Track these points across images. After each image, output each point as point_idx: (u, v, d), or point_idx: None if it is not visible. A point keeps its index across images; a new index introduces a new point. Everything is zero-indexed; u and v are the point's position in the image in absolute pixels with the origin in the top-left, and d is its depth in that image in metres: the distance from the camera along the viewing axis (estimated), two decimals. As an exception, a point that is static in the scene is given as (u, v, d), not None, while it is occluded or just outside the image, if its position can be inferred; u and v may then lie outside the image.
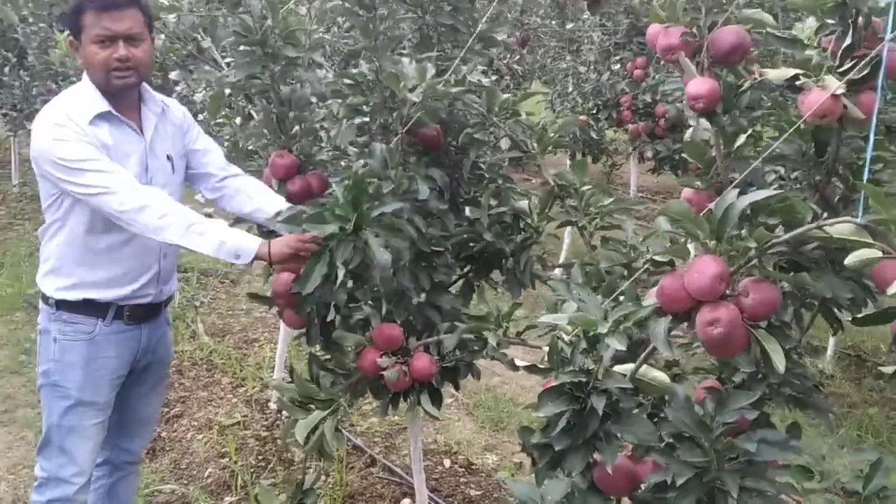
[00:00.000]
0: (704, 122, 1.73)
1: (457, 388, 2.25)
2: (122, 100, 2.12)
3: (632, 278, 2.06)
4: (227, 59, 2.76)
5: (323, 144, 2.38)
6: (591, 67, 5.77)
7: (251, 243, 1.99)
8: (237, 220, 2.40)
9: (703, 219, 1.36)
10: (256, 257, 1.98)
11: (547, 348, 2.02)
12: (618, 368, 1.52)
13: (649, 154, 5.45)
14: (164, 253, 2.23)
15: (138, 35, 2.05)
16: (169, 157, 2.22)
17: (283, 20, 2.13)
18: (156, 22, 2.44)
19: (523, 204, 2.37)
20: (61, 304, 2.17)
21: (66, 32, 2.08)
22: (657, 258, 1.60)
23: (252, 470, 3.29)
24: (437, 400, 2.17)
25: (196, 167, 2.31)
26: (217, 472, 3.29)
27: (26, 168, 8.92)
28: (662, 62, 5.32)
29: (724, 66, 1.64)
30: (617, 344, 1.39)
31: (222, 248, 1.97)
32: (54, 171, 2.01)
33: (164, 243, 2.08)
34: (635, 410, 1.50)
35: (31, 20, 6.40)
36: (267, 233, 2.31)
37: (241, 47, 2.18)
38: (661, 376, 1.49)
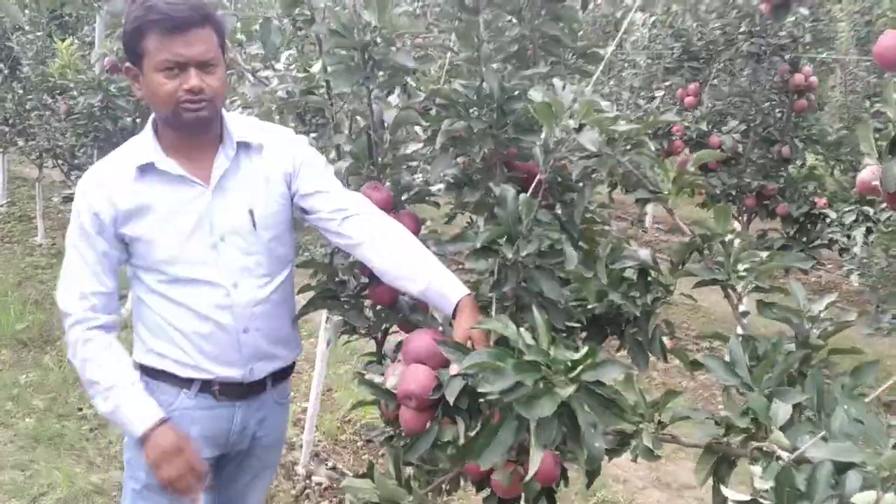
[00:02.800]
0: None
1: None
2: (191, 141, 1.75)
3: (812, 360, 1.67)
4: (278, 66, 2.35)
5: (416, 177, 1.96)
6: (637, 93, 5.39)
7: (136, 428, 1.75)
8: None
9: None
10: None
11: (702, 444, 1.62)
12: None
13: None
14: (245, 327, 1.81)
15: (212, 60, 1.66)
16: (250, 212, 1.79)
17: (390, 20, 1.70)
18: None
19: (646, 256, 1.96)
20: (142, 368, 1.85)
21: (125, 61, 1.70)
22: None
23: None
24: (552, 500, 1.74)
25: (311, 213, 1.84)
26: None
27: (15, 186, 8.45)
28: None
29: None
30: None
31: (114, 417, 1.78)
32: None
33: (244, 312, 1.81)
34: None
35: (27, 27, 5.98)
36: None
37: (337, 50, 1.75)
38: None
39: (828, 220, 4.48)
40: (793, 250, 4.66)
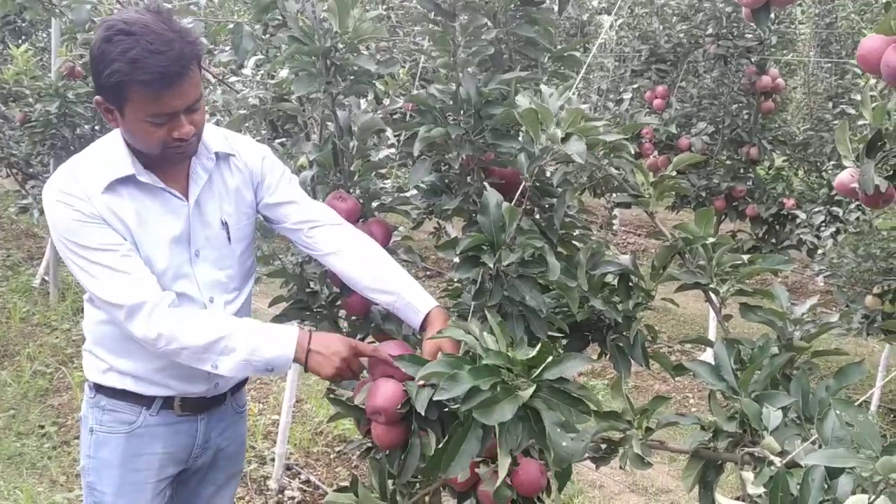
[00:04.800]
0: None
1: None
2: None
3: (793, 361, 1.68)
4: (246, 72, 2.31)
5: (385, 185, 1.93)
6: (605, 96, 5.43)
7: (286, 349, 1.59)
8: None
9: None
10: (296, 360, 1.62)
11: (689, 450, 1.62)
12: (855, 505, 1.11)
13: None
14: None
15: (199, 99, 1.58)
16: (224, 224, 1.75)
17: (353, 26, 1.68)
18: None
19: (627, 261, 1.96)
20: (100, 389, 1.78)
21: (86, 74, 1.60)
22: None
23: (257, 572, 2.79)
24: (537, 515, 1.72)
25: (276, 223, 1.83)
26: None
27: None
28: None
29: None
30: None
31: (249, 367, 1.60)
32: (63, 249, 1.62)
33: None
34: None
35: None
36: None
37: (298, 56, 1.72)
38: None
39: (797, 221, 4.55)
40: (762, 252, 4.72)
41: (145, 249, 1.64)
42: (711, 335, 5.26)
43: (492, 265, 1.57)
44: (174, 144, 1.57)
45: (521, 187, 1.71)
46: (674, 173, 1.90)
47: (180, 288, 1.69)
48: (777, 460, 1.23)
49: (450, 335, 1.54)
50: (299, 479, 3.52)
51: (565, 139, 1.47)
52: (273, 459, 3.49)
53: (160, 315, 1.58)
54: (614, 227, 7.16)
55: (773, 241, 4.77)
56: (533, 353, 1.37)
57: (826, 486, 1.15)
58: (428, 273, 6.91)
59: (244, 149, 1.80)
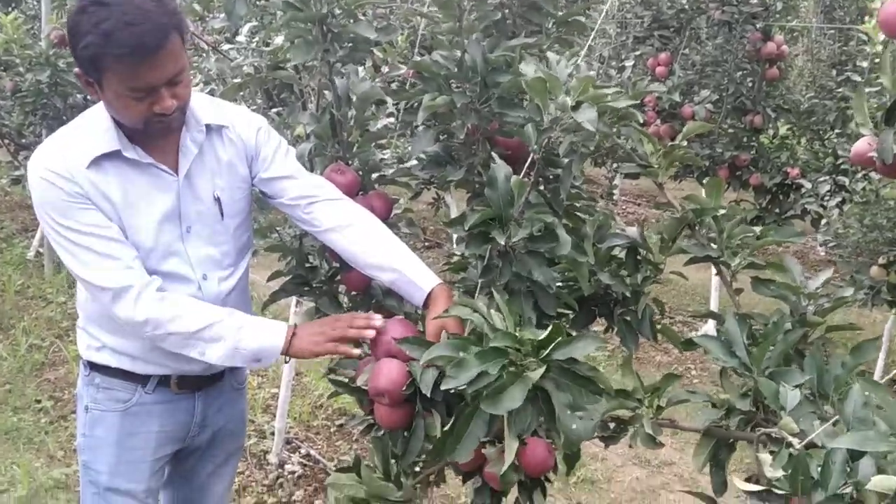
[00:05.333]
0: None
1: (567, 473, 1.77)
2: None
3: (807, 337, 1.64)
4: (240, 39, 2.24)
5: (384, 155, 1.87)
6: (607, 64, 5.34)
7: (274, 340, 1.58)
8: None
9: None
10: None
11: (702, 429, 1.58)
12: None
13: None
14: None
15: (181, 71, 1.50)
16: (217, 199, 1.69)
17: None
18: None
19: (635, 234, 1.91)
20: (94, 366, 1.75)
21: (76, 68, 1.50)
22: None
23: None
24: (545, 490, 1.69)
25: (274, 197, 1.77)
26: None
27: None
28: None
29: None
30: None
31: (237, 356, 1.58)
32: (46, 227, 1.57)
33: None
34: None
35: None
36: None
37: (294, 23, 1.65)
38: None
39: (802, 191, 4.50)
40: (766, 222, 4.68)
41: (133, 228, 1.59)
42: (713, 306, 5.23)
43: (503, 241, 1.51)
44: (156, 119, 1.51)
45: (530, 159, 1.66)
46: (684, 143, 1.84)
47: (171, 266, 1.64)
48: (796, 442, 1.19)
49: (456, 314, 1.50)
50: (299, 453, 3.50)
51: (576, 107, 1.41)
52: (273, 433, 3.47)
53: (147, 299, 1.55)
54: (615, 197, 7.11)
55: (777, 210, 4.73)
56: (543, 334, 1.33)
57: (848, 469, 1.11)
58: (427, 244, 6.87)
59: (238, 120, 1.74)
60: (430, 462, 1.66)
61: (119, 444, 1.75)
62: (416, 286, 1.64)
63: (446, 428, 1.49)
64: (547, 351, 1.32)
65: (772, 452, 1.28)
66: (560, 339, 1.31)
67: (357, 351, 1.57)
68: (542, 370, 1.27)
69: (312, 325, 1.61)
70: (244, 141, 1.72)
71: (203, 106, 1.68)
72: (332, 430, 3.76)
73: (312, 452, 3.50)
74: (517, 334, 1.34)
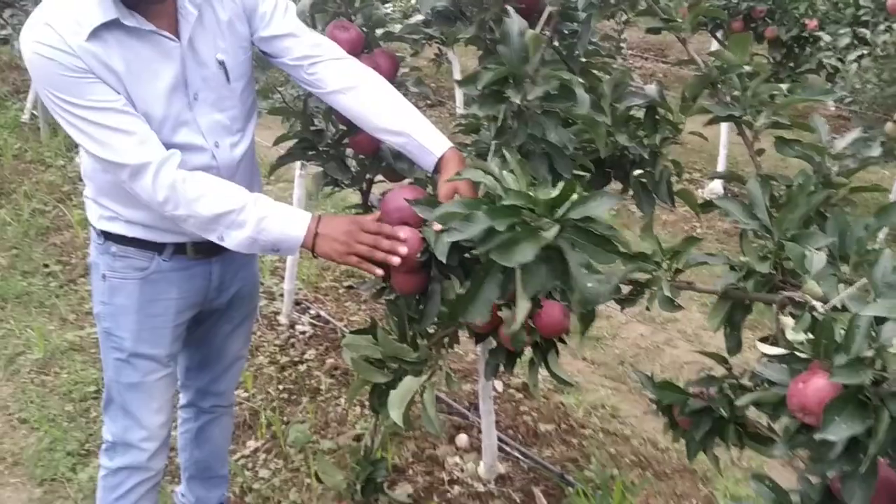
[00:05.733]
0: None
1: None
2: None
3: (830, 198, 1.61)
4: None
5: (388, 10, 1.78)
6: None
7: (295, 231, 1.52)
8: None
9: None
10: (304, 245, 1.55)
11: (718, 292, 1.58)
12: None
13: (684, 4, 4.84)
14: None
15: None
16: (220, 62, 1.62)
17: None
18: None
19: (654, 92, 1.84)
20: (108, 236, 1.72)
21: None
22: None
23: (274, 404, 2.85)
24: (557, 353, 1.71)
25: (276, 57, 1.69)
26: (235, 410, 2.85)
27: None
28: None
29: None
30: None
31: (255, 245, 1.54)
32: (52, 106, 1.49)
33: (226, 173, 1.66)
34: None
35: None
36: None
37: None
38: None
39: (818, 44, 4.34)
40: (780, 76, 4.55)
41: (140, 99, 1.53)
42: (721, 165, 5.18)
43: (517, 100, 1.45)
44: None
45: (546, 13, 1.57)
46: (711, -6, 1.74)
47: (182, 138, 1.59)
48: (819, 305, 1.18)
49: (468, 177, 1.46)
50: (309, 314, 3.56)
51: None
52: (282, 295, 3.51)
53: (166, 176, 1.50)
54: (623, 51, 6.89)
55: (792, 65, 4.58)
56: (555, 192, 1.29)
57: (872, 333, 1.10)
58: (429, 103, 6.72)
59: None
60: (445, 325, 1.67)
61: (140, 311, 1.76)
62: (426, 150, 1.60)
63: (461, 291, 1.48)
64: (562, 210, 1.28)
65: (793, 315, 1.28)
66: (575, 197, 1.27)
67: (380, 271, 1.53)
68: (556, 229, 1.24)
69: (336, 225, 1.53)
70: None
71: None
72: (340, 291, 3.80)
73: (322, 313, 3.55)
74: (530, 193, 1.30)
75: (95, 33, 1.45)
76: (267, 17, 1.66)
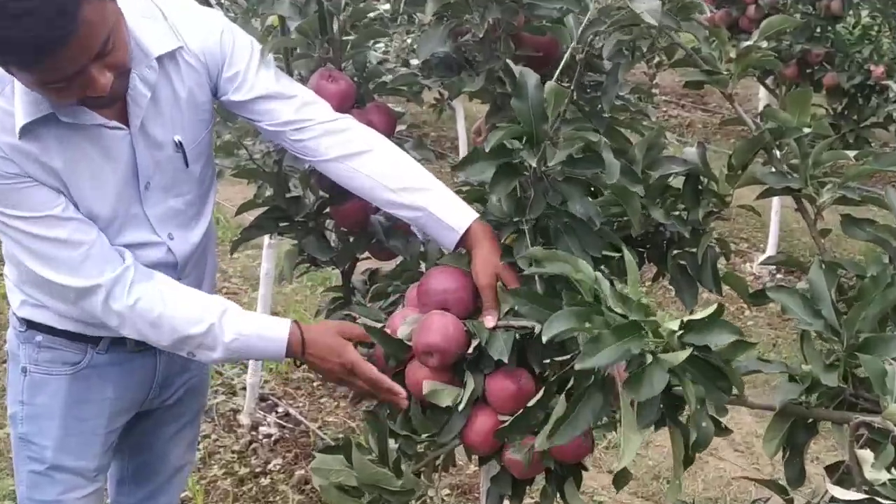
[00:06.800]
0: None
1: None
2: None
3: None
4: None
5: (382, 53, 1.79)
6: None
7: (274, 353, 1.61)
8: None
9: None
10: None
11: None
12: None
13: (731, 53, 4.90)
14: (180, 277, 1.71)
15: (110, 41, 1.39)
16: (179, 145, 1.64)
17: None
18: None
19: (694, 157, 1.81)
20: (32, 324, 1.73)
21: None
22: None
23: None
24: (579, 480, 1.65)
25: (252, 120, 1.70)
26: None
27: None
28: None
29: None
30: None
31: (232, 360, 1.81)
32: None
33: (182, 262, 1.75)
34: None
35: None
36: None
37: None
38: None
39: (886, 95, 4.37)
40: (841, 131, 4.57)
41: (84, 199, 1.55)
42: (772, 234, 5.17)
43: (534, 164, 1.44)
44: (92, 99, 1.46)
45: (564, 60, 1.56)
46: (763, 43, 1.73)
47: (132, 236, 1.63)
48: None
49: (550, 271, 1.38)
50: (276, 412, 3.51)
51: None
52: (244, 388, 3.47)
53: (117, 301, 1.55)
54: (655, 99, 6.97)
55: (855, 117, 4.61)
56: (706, 312, 1.24)
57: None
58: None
59: (193, 31, 1.63)
60: (437, 443, 1.61)
61: (67, 413, 1.75)
62: (446, 226, 1.59)
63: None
64: (685, 334, 1.24)
65: (871, 443, 1.22)
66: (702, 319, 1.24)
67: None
68: (685, 354, 1.19)
69: (326, 340, 1.60)
70: (205, 54, 1.64)
71: (151, 33, 1.57)
72: (314, 384, 3.75)
73: (292, 412, 3.51)
74: (649, 305, 1.25)
75: (29, 130, 1.46)
76: (239, 79, 1.66)
